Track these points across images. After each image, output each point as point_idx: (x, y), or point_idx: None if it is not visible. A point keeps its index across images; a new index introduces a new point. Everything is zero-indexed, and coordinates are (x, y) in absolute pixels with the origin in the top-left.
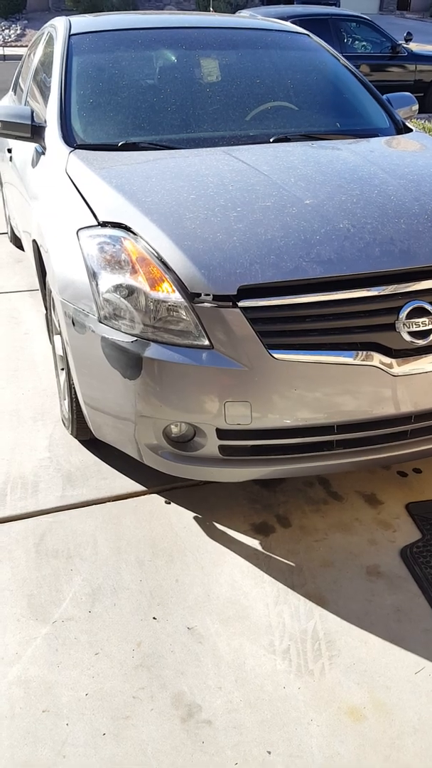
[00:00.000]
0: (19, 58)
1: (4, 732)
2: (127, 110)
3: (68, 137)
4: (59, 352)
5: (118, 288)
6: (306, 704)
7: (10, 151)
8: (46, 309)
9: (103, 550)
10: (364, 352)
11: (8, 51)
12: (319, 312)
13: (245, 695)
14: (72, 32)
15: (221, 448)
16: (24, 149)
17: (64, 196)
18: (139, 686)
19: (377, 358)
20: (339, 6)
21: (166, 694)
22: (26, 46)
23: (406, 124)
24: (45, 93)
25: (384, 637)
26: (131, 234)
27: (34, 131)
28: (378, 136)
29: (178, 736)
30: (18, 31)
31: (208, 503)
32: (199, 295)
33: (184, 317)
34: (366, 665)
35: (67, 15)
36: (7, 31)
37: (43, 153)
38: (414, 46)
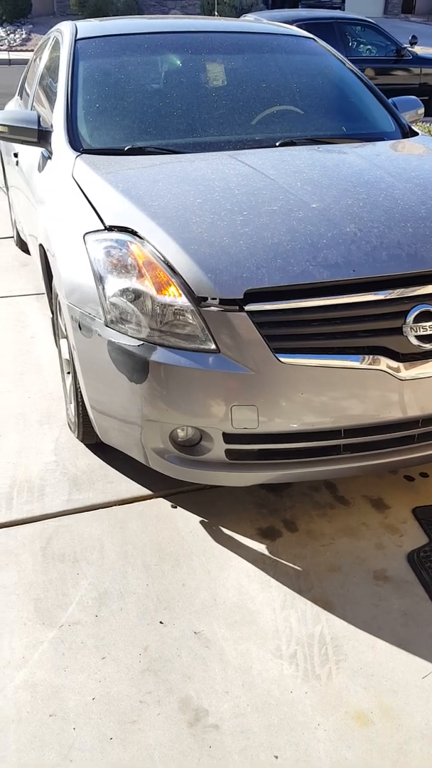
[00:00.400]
0: (24, 62)
1: (11, 736)
2: (134, 115)
3: (75, 142)
4: (65, 355)
5: (124, 292)
6: (313, 709)
7: (16, 155)
8: (53, 313)
9: (110, 554)
10: (371, 356)
11: (13, 55)
12: (325, 316)
13: (252, 700)
14: (78, 37)
15: (228, 452)
16: (30, 154)
17: (70, 201)
18: (145, 690)
19: (384, 362)
20: (344, 10)
21: (173, 698)
22: (31, 50)
23: (412, 127)
24: (51, 98)
25: (391, 642)
26: (138, 238)
27: (41, 136)
28: (384, 139)
29: (185, 740)
30: (23, 36)
31: (214, 507)
32: (205, 299)
33: (191, 321)
34: (373, 670)
35: (72, 19)
36: (12, 35)
37: (50, 157)
38: (419, 50)
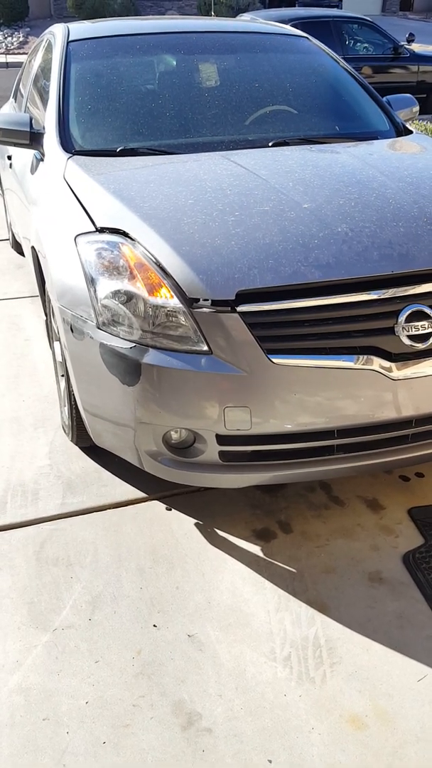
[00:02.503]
0: (21, 65)
1: (4, 740)
2: (126, 116)
3: (66, 143)
4: (59, 358)
5: (116, 294)
6: (307, 712)
7: (10, 158)
8: (46, 315)
9: (104, 557)
10: (364, 356)
11: (11, 58)
12: (318, 316)
13: (246, 703)
14: (70, 39)
15: (221, 453)
16: (23, 156)
17: (62, 202)
18: (139, 694)
19: (377, 362)
20: (341, 8)
21: (166, 702)
22: (28, 53)
23: (407, 126)
24: (44, 99)
25: (386, 644)
26: (129, 240)
27: (33, 138)
28: (378, 138)
29: (179, 744)
30: (20, 39)
31: (208, 509)
32: (197, 300)
33: (183, 323)
34: (368, 672)
35: (69, 21)
36: (9, 38)
37: (42, 159)
38: (416, 47)
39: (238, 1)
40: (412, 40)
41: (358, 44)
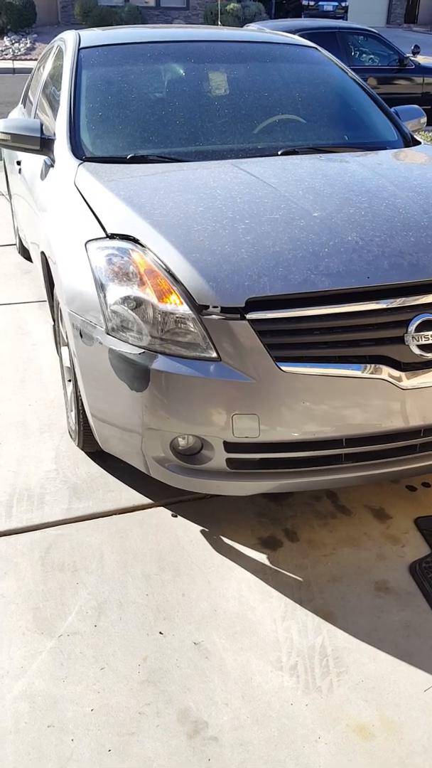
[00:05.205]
0: (28, 71)
1: (8, 747)
2: (136, 123)
3: (77, 150)
4: (66, 363)
5: (126, 300)
6: (314, 721)
7: (19, 163)
8: (54, 320)
9: (109, 563)
10: (373, 366)
11: (18, 64)
12: (327, 325)
13: (252, 712)
14: (81, 46)
15: (228, 461)
16: (33, 161)
17: (72, 208)
18: (144, 702)
19: (386, 372)
20: (346, 19)
21: (172, 709)
22: (36, 59)
23: (415, 136)
24: (54, 106)
25: (393, 654)
26: (139, 246)
27: (44, 144)
28: (386, 149)
29: (184, 753)
30: (28, 45)
31: (215, 517)
32: (207, 307)
33: (192, 329)
34: (374, 682)
35: (76, 28)
36: (17, 44)
37: (52, 165)
38: (421, 59)
39: (244, 11)
40: (418, 52)
41: (364, 55)
